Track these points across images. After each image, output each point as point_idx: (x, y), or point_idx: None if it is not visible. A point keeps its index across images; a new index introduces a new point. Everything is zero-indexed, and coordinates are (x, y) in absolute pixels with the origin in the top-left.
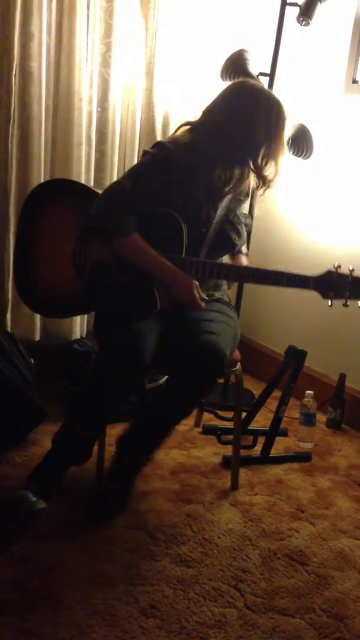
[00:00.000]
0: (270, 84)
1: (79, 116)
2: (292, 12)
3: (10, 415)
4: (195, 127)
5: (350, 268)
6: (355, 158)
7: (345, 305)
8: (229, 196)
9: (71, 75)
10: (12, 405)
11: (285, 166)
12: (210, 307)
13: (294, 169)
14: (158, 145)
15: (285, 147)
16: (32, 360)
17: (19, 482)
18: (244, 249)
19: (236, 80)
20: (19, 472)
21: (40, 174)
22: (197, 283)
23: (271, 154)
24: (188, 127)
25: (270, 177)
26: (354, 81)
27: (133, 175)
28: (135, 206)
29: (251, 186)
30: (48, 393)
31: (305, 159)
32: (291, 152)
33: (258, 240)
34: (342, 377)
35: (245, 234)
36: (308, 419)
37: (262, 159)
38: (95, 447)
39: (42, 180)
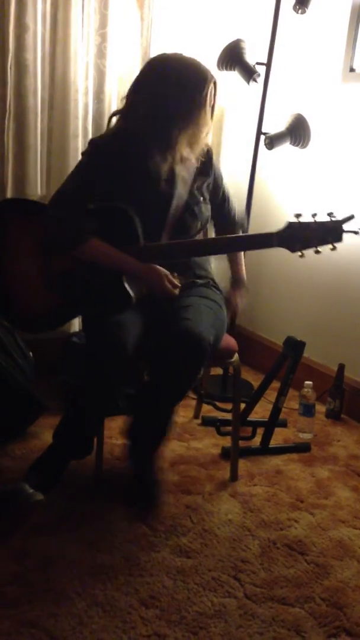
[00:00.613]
0: (267, 73)
1: (75, 108)
2: (288, 1)
3: (10, 408)
4: (122, 114)
5: (312, 214)
6: (353, 146)
7: (317, 252)
8: (186, 175)
9: (66, 66)
10: (11, 399)
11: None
12: (191, 292)
13: (291, 158)
14: (89, 143)
15: (202, 112)
16: (30, 354)
17: (18, 475)
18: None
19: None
20: (19, 465)
21: (36, 167)
22: (166, 272)
23: (190, 123)
24: (117, 115)
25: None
26: (351, 69)
27: (72, 180)
28: (84, 209)
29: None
30: (47, 386)
31: (303, 148)
32: (289, 142)
33: (256, 229)
34: (341, 367)
35: (206, 211)
36: (307, 410)
37: (185, 129)
38: (95, 440)
39: (38, 173)
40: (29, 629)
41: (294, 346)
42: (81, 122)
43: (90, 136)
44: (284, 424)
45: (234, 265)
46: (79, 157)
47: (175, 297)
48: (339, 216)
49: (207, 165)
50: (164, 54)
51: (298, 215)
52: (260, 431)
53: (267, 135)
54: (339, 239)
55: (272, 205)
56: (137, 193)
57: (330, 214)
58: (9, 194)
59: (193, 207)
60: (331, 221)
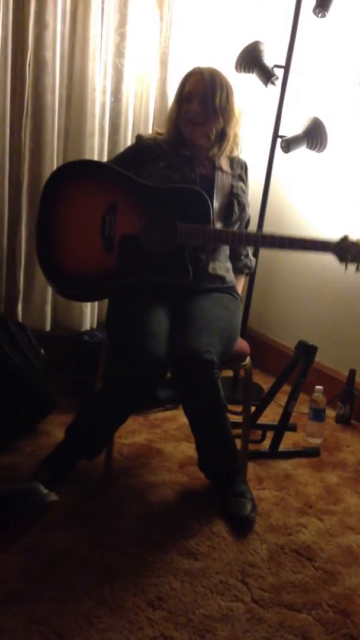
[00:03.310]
0: (285, 76)
1: (92, 106)
2: (308, 4)
3: (20, 405)
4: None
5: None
6: None
7: (358, 269)
8: (223, 173)
9: (85, 65)
10: (22, 395)
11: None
12: (203, 301)
13: (308, 161)
14: (137, 138)
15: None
16: (42, 351)
17: (28, 471)
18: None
19: None
20: (29, 462)
21: (52, 165)
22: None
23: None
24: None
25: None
26: None
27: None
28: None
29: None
30: (58, 383)
31: (320, 152)
32: (306, 146)
33: (269, 229)
34: (352, 372)
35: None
36: (317, 415)
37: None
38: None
39: None
40: (37, 626)
41: (306, 350)
42: (98, 121)
43: (107, 135)
44: (293, 429)
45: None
46: (95, 156)
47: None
48: None
49: (242, 176)
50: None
51: (346, 237)
52: (269, 435)
53: (284, 138)
54: None
55: (287, 209)
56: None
57: None
58: (25, 191)
59: (235, 193)
60: None
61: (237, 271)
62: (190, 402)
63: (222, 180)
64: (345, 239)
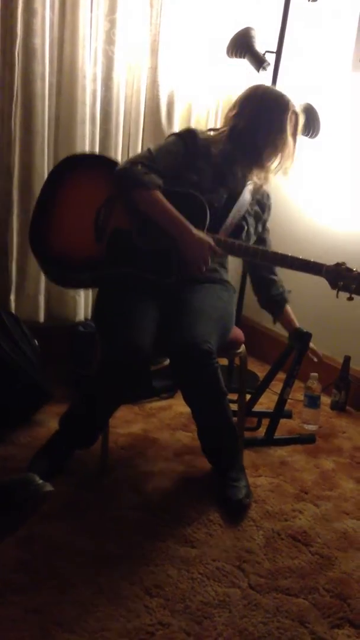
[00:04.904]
0: (277, 62)
1: (83, 94)
2: None
3: (15, 396)
4: (222, 131)
5: (355, 269)
6: None
7: (350, 298)
8: (249, 195)
9: (75, 52)
10: (16, 387)
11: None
12: (196, 292)
13: (300, 148)
14: (187, 129)
15: (283, 136)
16: (36, 342)
17: (23, 462)
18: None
19: (253, 86)
20: (24, 453)
21: (43, 153)
22: (211, 244)
23: (285, 152)
24: (214, 132)
25: (284, 167)
26: None
27: (158, 146)
28: (158, 168)
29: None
30: (52, 374)
31: (312, 138)
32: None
33: None
34: (347, 359)
35: (254, 234)
36: (312, 401)
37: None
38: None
39: (45, 160)
40: (35, 616)
41: (300, 337)
42: (89, 109)
43: (98, 123)
44: (289, 415)
45: (289, 320)
46: (87, 145)
47: (201, 272)
48: None
49: (263, 206)
50: (269, 87)
51: (343, 263)
52: (265, 422)
53: None
54: None
55: (280, 196)
56: (206, 185)
57: None
58: (16, 180)
59: (243, 223)
60: None
61: (276, 302)
62: (190, 392)
63: (244, 199)
64: (339, 265)
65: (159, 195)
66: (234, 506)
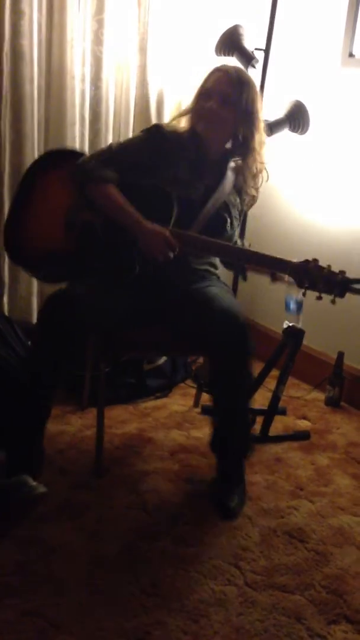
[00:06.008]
0: (266, 59)
1: (72, 95)
2: None
3: (8, 398)
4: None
5: (328, 264)
6: (353, 132)
7: (319, 298)
8: (228, 184)
9: (63, 53)
10: (10, 389)
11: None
12: (208, 284)
13: (290, 144)
14: (153, 124)
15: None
16: (29, 343)
17: None
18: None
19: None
20: None
21: (33, 155)
22: (166, 234)
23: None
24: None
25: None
26: (351, 55)
27: (123, 142)
28: (117, 164)
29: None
30: None
31: (302, 134)
32: (287, 128)
33: (253, 217)
34: (341, 355)
35: (236, 227)
36: (293, 306)
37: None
38: (95, 430)
39: None
40: (32, 618)
41: (294, 334)
42: (78, 110)
43: (87, 124)
44: (283, 412)
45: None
46: (77, 146)
47: (169, 260)
48: (350, 274)
49: (242, 193)
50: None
51: (314, 260)
52: (259, 420)
53: (266, 121)
54: (342, 295)
55: (270, 192)
56: (180, 181)
57: (342, 272)
58: (6, 182)
59: (225, 214)
60: (342, 276)
61: None
62: (225, 367)
63: (222, 190)
64: (305, 263)
65: (112, 189)
66: (223, 511)
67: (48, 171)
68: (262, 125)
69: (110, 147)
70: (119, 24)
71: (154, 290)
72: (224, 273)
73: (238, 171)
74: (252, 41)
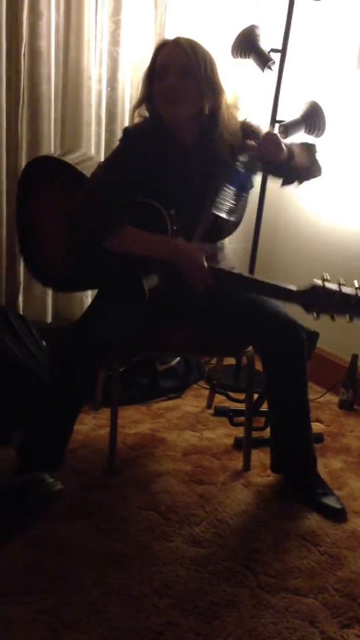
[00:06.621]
0: (282, 60)
1: (88, 95)
2: None
3: (23, 397)
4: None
5: (341, 281)
6: None
7: (332, 319)
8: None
9: (80, 53)
10: (24, 388)
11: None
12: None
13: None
14: (124, 130)
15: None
16: (44, 343)
17: None
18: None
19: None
20: None
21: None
22: (202, 248)
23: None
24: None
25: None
26: None
27: (106, 164)
28: (118, 197)
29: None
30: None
31: (318, 136)
32: (304, 130)
33: (268, 219)
34: (354, 358)
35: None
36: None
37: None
38: (108, 430)
39: None
40: (44, 617)
41: (308, 337)
42: (94, 110)
43: (103, 124)
44: None
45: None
46: (92, 146)
47: (208, 289)
48: None
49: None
50: None
51: (324, 280)
52: None
53: (282, 123)
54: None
55: (285, 195)
56: (168, 186)
57: (358, 288)
58: None
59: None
60: (357, 297)
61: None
62: (279, 372)
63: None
64: (312, 290)
65: (131, 231)
66: (339, 515)
67: (38, 190)
68: (224, 91)
69: (98, 178)
70: (135, 25)
71: (175, 298)
72: None
73: (219, 142)
74: (269, 42)
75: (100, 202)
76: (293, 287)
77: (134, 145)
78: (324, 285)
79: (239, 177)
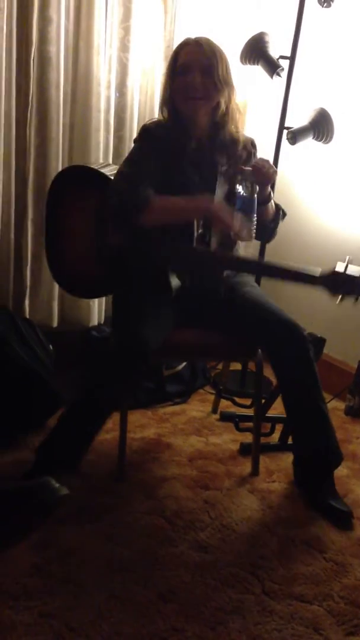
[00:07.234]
0: (291, 67)
1: (97, 101)
2: None
3: (29, 401)
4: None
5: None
6: None
7: (356, 300)
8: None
9: (89, 59)
10: (31, 392)
11: None
12: (247, 287)
13: (314, 153)
14: (142, 127)
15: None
16: (50, 347)
17: None
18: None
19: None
20: None
21: (58, 160)
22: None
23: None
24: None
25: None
26: None
27: (129, 159)
28: (143, 180)
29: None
30: (66, 379)
31: (326, 143)
32: (312, 137)
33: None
34: None
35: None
36: (244, 204)
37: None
38: (117, 433)
39: (60, 167)
40: (49, 621)
41: (314, 343)
42: (103, 116)
43: (112, 130)
44: None
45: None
46: (101, 151)
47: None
48: None
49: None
50: None
51: (348, 262)
52: (279, 427)
53: (290, 129)
54: None
55: (294, 201)
56: (183, 180)
57: None
58: (30, 187)
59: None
60: None
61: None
62: (290, 377)
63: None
64: (334, 274)
65: (158, 201)
66: (346, 518)
67: (64, 198)
68: (235, 91)
69: (123, 170)
70: (145, 31)
71: (193, 299)
72: None
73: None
74: (278, 49)
75: (131, 181)
76: (316, 272)
77: (154, 140)
78: (345, 272)
79: (243, 201)
